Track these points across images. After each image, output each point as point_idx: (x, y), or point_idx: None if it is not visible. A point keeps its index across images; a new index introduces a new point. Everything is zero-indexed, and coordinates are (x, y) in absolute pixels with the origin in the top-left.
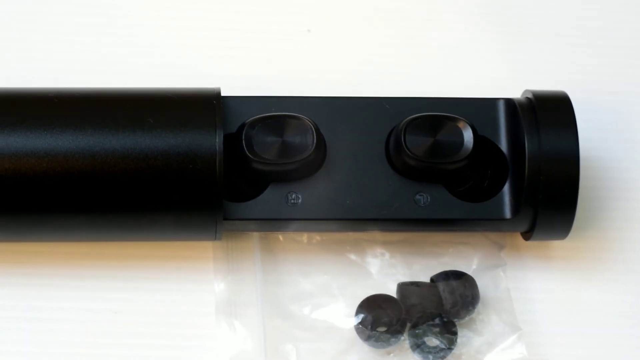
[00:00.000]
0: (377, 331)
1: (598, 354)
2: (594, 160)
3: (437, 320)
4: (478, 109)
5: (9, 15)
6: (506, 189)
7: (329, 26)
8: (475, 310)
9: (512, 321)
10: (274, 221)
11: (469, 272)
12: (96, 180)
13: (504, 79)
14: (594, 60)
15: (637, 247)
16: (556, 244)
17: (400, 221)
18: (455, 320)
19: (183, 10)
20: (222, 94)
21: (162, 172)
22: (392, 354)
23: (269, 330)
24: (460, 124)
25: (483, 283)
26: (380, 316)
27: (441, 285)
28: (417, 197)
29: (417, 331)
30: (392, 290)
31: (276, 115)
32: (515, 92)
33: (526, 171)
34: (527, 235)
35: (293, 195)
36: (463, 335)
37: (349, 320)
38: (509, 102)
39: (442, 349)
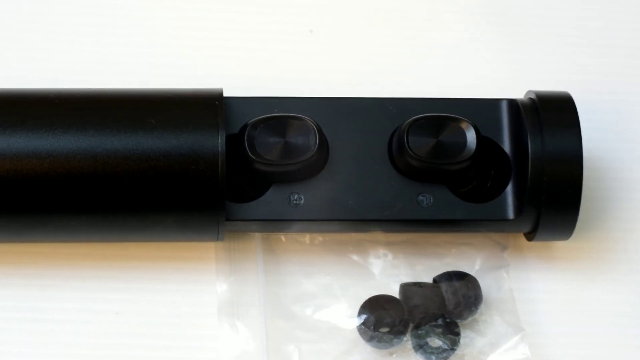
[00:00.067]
0: (379, 332)
1: (601, 354)
2: (596, 160)
3: (439, 321)
4: (481, 110)
5: (9, 15)
6: (509, 189)
7: (330, 26)
8: (478, 310)
9: (515, 322)
10: (277, 222)
11: (472, 273)
12: (98, 181)
13: (504, 79)
14: (594, 60)
15: None
16: (559, 245)
17: (403, 222)
18: (458, 321)
19: (183, 11)
20: (225, 95)
21: (164, 173)
22: (394, 355)
23: (271, 331)
24: (463, 125)
25: (486, 284)
26: (382, 317)
27: (444, 286)
28: (420, 197)
29: (419, 332)
30: (394, 291)
31: (278, 116)
32: (516, 92)
33: (529, 172)
34: (530, 235)
35: (295, 196)
36: (466, 336)
37: (352, 321)
38: (511, 102)
39: (444, 350)
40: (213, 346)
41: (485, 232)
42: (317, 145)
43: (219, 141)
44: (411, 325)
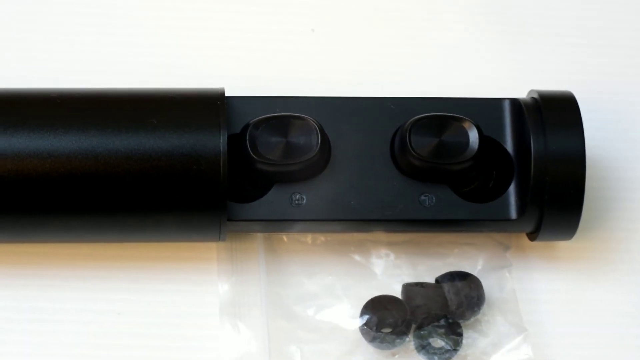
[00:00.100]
0: (382, 332)
1: (604, 354)
2: (599, 160)
3: (442, 322)
4: (483, 109)
5: (9, 15)
6: (512, 189)
7: (332, 26)
8: (481, 311)
9: (517, 322)
10: (278, 222)
11: (474, 273)
12: (99, 181)
13: (505, 79)
14: (595, 59)
15: None
16: (562, 245)
17: (405, 222)
18: (460, 321)
19: (184, 10)
20: (226, 95)
21: (166, 173)
22: (397, 356)
23: (273, 331)
24: (466, 124)
25: (488, 284)
26: (385, 317)
27: (446, 286)
28: (422, 197)
29: (422, 332)
30: (397, 291)
31: (280, 116)
32: (516, 92)
33: (532, 171)
34: (532, 235)
35: (297, 196)
36: (468, 336)
37: (354, 321)
38: (514, 102)
39: (447, 350)
40: (215, 346)
41: (487, 232)
42: (319, 145)
43: (221, 141)
44: (413, 326)
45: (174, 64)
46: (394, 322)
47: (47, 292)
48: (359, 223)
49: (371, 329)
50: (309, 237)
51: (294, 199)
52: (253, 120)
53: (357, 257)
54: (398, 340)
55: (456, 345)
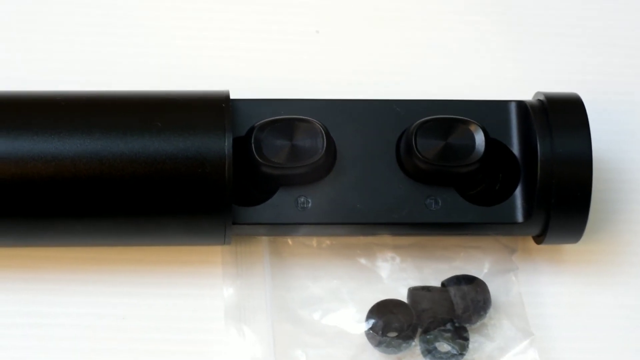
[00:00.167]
0: (387, 337)
1: (611, 359)
2: (606, 162)
3: (448, 326)
4: (489, 112)
5: (9, 15)
6: (518, 192)
7: (336, 27)
8: (487, 315)
9: (524, 326)
10: (284, 225)
11: (481, 277)
12: (104, 185)
13: (510, 80)
14: (602, 60)
15: None
16: (568, 248)
17: (411, 225)
18: (466, 325)
19: (186, 11)
20: (231, 97)
21: (171, 176)
22: None
23: (278, 335)
24: (472, 127)
25: (494, 287)
26: (391, 321)
27: (452, 290)
28: (428, 200)
29: (428, 336)
30: (402, 295)
31: (286, 119)
32: (522, 94)
33: (538, 174)
34: (539, 239)
35: (303, 199)
36: (475, 340)
37: (360, 325)
38: (520, 104)
39: (453, 355)
40: (220, 351)
41: (493, 235)
42: (324, 148)
43: (226, 144)
44: (420, 330)
45: (176, 65)
46: (400, 327)
47: (51, 296)
48: (365, 226)
49: (377, 333)
50: (314, 241)
51: (299, 202)
52: (258, 123)
53: (362, 261)
54: (404, 345)
55: (462, 349)
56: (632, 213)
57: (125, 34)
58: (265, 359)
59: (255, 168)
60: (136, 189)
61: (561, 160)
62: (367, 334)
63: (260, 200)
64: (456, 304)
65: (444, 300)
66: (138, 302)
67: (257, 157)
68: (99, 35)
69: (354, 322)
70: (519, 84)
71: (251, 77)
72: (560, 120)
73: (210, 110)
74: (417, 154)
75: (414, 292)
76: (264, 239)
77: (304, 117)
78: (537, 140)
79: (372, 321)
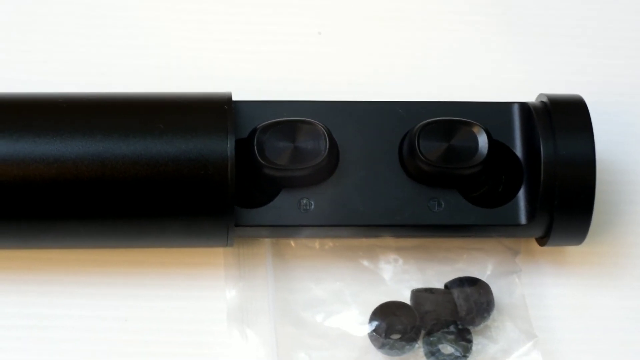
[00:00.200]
0: (391, 339)
1: None
2: (609, 164)
3: (451, 328)
4: (492, 113)
5: (9, 15)
6: (521, 194)
7: (338, 29)
8: (490, 317)
9: (527, 328)
10: (286, 227)
11: (484, 279)
12: (106, 187)
13: (513, 82)
14: (605, 62)
15: None
16: (572, 250)
17: (413, 227)
18: (470, 327)
19: (188, 12)
20: (234, 99)
21: (173, 178)
22: None
23: (281, 337)
24: (475, 129)
25: (498, 289)
26: (394, 323)
27: (455, 292)
28: (431, 202)
29: (431, 339)
30: (405, 297)
31: (288, 120)
32: (525, 95)
33: (542, 176)
34: (542, 241)
35: (305, 201)
36: (478, 342)
37: (363, 327)
38: (523, 106)
39: (457, 357)
40: (222, 353)
41: (496, 237)
42: (327, 150)
43: (228, 146)
44: (423, 332)
45: (179, 66)
46: (403, 329)
47: (53, 298)
48: (368, 228)
49: (380, 335)
50: (316, 243)
51: (301, 204)
52: (261, 125)
53: (365, 263)
54: (407, 347)
55: (466, 351)
56: (636, 215)
57: (126, 35)
58: None
59: (258, 170)
60: (138, 191)
61: (564, 162)
62: (370, 336)
63: (263, 202)
64: (459, 306)
65: (447, 302)
66: (140, 304)
67: (259, 159)
68: (100, 37)
69: (357, 324)
70: (521, 85)
71: (253, 78)
72: (563, 122)
73: (212, 112)
74: (420, 155)
75: (417, 294)
76: (267, 240)
77: (306, 118)
78: (540, 142)
79: (375, 323)
